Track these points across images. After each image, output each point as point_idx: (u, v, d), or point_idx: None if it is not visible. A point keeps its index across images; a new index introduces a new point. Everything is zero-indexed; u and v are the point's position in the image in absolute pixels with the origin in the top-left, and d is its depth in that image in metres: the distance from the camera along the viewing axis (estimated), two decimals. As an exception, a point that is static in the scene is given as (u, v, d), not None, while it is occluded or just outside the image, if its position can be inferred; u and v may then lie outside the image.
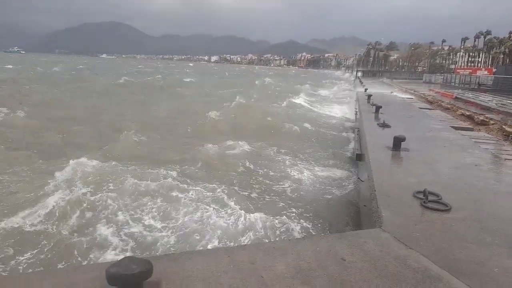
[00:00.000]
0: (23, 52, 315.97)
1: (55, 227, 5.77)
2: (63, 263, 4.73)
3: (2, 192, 7.15)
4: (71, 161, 8.58)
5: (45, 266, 4.59)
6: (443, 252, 3.27)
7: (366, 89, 27.11)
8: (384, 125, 10.27)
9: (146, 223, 5.97)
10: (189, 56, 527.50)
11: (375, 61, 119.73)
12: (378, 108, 13.32)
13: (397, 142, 7.26)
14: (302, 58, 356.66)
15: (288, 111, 22.61)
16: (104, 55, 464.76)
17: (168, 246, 5.15)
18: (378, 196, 4.61)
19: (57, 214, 6.16)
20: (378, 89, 33.25)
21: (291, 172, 9.39)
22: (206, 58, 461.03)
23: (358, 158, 8.22)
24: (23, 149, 10.61)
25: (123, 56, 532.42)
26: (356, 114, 17.82)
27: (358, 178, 7.70)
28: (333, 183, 8.34)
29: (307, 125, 17.48)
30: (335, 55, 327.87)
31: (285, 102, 26.06)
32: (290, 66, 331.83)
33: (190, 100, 25.51)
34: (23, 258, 4.80)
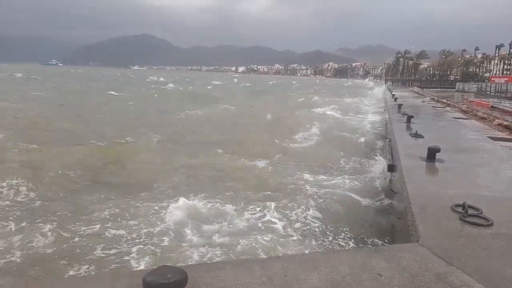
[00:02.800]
0: (61, 64, 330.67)
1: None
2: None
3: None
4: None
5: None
6: (486, 270, 3.10)
7: (396, 98, 26.55)
8: (417, 135, 9.99)
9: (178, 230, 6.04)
10: (216, 67, 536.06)
11: (405, 70, 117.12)
12: (409, 117, 12.99)
13: (432, 153, 7.02)
14: (329, 68, 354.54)
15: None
16: (135, 67, 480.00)
17: (201, 254, 5.17)
18: (414, 209, 4.45)
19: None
20: (409, 98, 32.50)
21: (319, 180, 9.27)
22: (233, 68, 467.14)
23: (390, 169, 8.01)
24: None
25: (154, 67, 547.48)
26: (386, 124, 17.45)
27: (391, 190, 7.48)
28: (363, 194, 8.15)
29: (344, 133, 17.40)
30: (362, 64, 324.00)
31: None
32: (317, 75, 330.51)
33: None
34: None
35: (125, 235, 5.84)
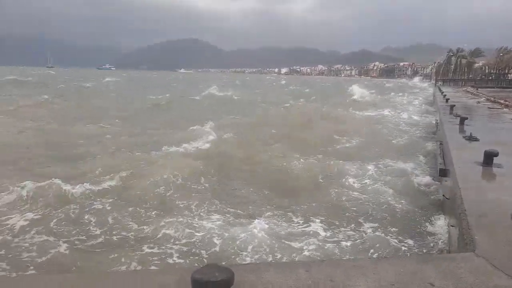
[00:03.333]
0: (113, 68, 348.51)
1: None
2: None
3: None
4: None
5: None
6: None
7: (447, 99, 25.20)
8: (471, 138, 9.41)
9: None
10: (259, 68, 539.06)
11: (457, 69, 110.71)
12: (463, 119, 12.27)
13: (488, 157, 6.58)
14: (375, 68, 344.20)
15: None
16: (182, 70, 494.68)
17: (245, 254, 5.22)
18: (469, 217, 4.20)
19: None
20: (462, 98, 30.74)
21: (364, 183, 9.02)
22: (276, 70, 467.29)
23: (442, 173, 7.61)
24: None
25: (199, 70, 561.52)
26: (437, 125, 16.62)
27: (443, 195, 7.11)
28: (412, 199, 7.81)
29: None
30: (411, 64, 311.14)
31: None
32: (362, 76, 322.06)
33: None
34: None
35: (173, 233, 6.03)
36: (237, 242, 5.46)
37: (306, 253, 5.15)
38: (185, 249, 5.43)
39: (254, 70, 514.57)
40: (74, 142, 13.53)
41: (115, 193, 7.88)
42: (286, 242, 5.56)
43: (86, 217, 6.60)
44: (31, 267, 4.85)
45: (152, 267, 4.53)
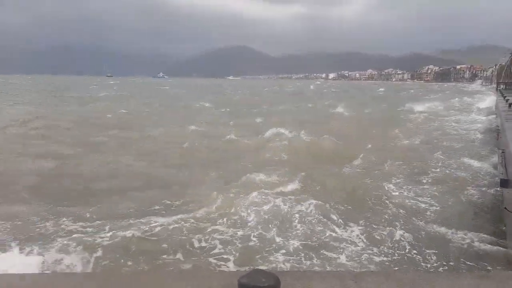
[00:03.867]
0: (167, 77, 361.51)
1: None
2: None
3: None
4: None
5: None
6: None
7: (510, 104, 23.35)
8: (538, 146, 8.67)
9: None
10: (306, 74, 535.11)
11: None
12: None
13: (559, 167, 6.03)
14: (429, 71, 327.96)
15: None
16: (230, 77, 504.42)
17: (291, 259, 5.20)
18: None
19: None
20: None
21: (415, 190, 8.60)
22: (323, 75, 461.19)
23: (504, 184, 7.07)
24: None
25: (246, 77, 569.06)
26: (498, 132, 15.47)
27: (505, 208, 6.60)
28: (470, 212, 7.32)
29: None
30: (469, 66, 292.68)
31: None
32: (415, 80, 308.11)
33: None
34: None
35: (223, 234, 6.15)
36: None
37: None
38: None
39: (301, 76, 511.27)
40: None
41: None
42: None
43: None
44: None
45: (199, 270, 4.63)
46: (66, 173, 10.38)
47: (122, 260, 5.39)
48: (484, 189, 8.78)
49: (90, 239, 6.06)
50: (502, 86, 76.71)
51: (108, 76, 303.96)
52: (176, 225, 6.62)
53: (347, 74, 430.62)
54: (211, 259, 5.38)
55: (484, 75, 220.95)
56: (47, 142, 14.76)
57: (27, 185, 8.95)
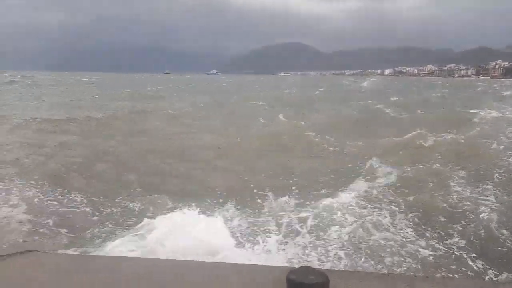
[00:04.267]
0: (220, 73, 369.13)
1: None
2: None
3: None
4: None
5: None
6: None
7: None
8: None
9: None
10: (360, 70, 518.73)
11: None
12: None
13: None
14: (496, 67, 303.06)
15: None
16: (282, 73, 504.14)
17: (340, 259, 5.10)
18: None
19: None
20: None
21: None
22: (379, 71, 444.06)
23: None
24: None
25: (298, 73, 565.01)
26: None
27: None
28: None
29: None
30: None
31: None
32: (480, 76, 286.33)
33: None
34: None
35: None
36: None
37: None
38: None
39: (354, 72, 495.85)
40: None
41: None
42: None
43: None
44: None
45: (250, 263, 4.69)
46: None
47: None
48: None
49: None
50: None
51: (166, 73, 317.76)
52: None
53: (404, 70, 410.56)
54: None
55: None
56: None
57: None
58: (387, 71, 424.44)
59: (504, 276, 4.91)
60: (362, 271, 4.17)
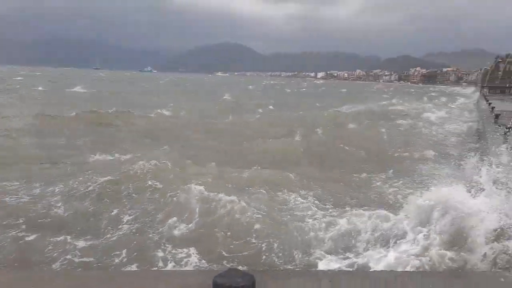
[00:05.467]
0: (155, 71, 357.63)
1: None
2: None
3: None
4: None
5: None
6: None
7: (493, 108, 23.90)
8: (518, 150, 8.91)
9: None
10: (295, 72, 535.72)
11: (506, 76, 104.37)
12: (509, 129, 11.64)
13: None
14: (416, 73, 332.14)
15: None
16: (219, 73, 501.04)
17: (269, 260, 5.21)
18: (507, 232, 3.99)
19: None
20: (509, 107, 29.04)
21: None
22: (312, 74, 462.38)
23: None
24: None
25: (235, 73, 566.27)
26: (479, 136, 15.82)
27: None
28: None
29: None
30: (455, 69, 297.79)
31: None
32: (401, 81, 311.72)
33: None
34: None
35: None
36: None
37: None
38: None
39: (289, 74, 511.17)
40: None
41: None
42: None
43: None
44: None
45: (174, 268, 4.61)
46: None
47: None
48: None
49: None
50: (485, 90, 78.44)
51: (95, 69, 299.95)
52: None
53: (335, 74, 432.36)
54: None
55: (469, 78, 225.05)
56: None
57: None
58: (320, 74, 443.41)
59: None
60: (289, 269, 4.33)
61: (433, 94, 76.88)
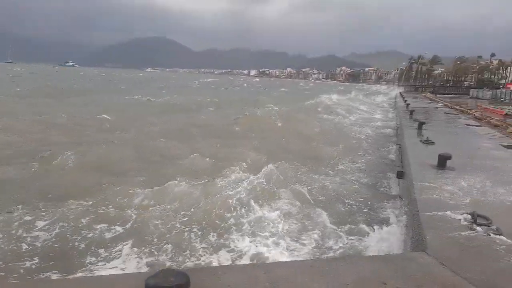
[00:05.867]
0: (77, 66, 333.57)
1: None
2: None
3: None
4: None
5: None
6: (494, 282, 3.04)
7: (408, 104, 26.28)
8: (428, 142, 9.87)
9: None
10: (228, 70, 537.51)
11: (418, 76, 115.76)
12: (421, 124, 12.85)
13: (442, 160, 6.93)
14: (341, 72, 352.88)
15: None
16: (149, 69, 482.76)
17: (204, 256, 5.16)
18: (422, 218, 4.40)
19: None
20: (421, 104, 32.17)
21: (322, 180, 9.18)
22: (245, 72, 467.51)
23: (400, 175, 7.91)
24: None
25: (167, 70, 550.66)
26: (397, 129, 17.29)
27: (399, 196, 7.39)
28: (369, 199, 8.06)
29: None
30: (375, 69, 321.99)
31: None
32: (329, 80, 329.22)
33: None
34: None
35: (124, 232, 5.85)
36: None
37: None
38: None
39: (223, 71, 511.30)
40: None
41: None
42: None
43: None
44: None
45: (103, 273, 4.37)
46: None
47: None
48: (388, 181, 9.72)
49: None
50: (402, 88, 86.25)
51: (7, 62, 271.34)
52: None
53: (267, 72, 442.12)
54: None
55: (388, 77, 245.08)
56: None
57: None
58: (252, 72, 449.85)
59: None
60: (222, 266, 4.34)
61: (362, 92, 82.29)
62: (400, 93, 61.95)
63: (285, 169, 9.73)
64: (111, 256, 5.20)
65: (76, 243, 5.52)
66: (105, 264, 4.99)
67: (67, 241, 5.58)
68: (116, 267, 4.90)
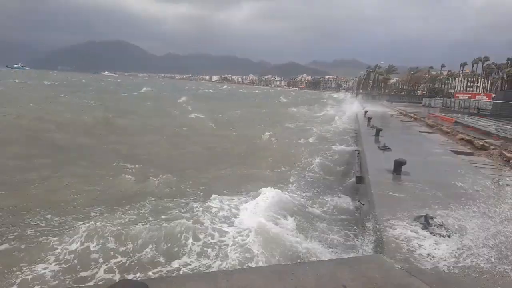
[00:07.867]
0: (27, 68, 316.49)
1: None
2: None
3: None
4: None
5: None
6: (447, 281, 3.20)
7: (366, 112, 27.30)
8: (385, 148, 10.29)
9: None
10: (190, 75, 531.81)
11: (375, 84, 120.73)
12: (378, 130, 13.37)
13: (398, 166, 7.25)
14: (303, 80, 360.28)
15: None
16: (106, 73, 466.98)
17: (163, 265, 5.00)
18: (379, 221, 4.56)
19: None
20: (378, 111, 33.51)
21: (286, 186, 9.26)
22: (207, 77, 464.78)
23: (359, 181, 8.18)
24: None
25: (125, 74, 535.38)
26: (356, 136, 17.88)
27: (359, 201, 7.62)
28: (331, 205, 8.22)
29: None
30: (335, 77, 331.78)
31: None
32: (291, 87, 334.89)
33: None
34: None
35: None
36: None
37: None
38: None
39: (184, 76, 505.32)
40: None
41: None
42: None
43: None
44: None
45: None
46: None
47: None
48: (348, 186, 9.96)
49: None
50: (360, 96, 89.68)
51: None
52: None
53: (230, 78, 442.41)
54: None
55: (347, 85, 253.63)
56: None
57: None
58: (215, 78, 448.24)
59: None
60: (183, 275, 4.25)
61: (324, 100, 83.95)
62: (359, 101, 64.03)
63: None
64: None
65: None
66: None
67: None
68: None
